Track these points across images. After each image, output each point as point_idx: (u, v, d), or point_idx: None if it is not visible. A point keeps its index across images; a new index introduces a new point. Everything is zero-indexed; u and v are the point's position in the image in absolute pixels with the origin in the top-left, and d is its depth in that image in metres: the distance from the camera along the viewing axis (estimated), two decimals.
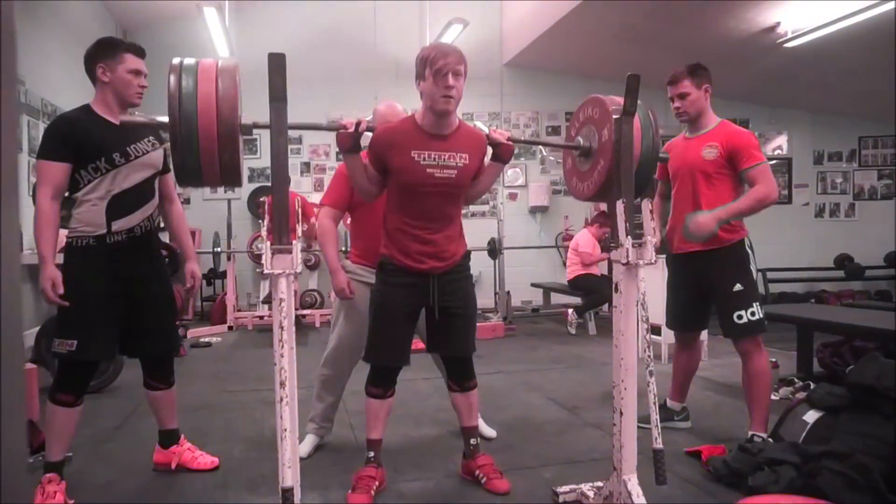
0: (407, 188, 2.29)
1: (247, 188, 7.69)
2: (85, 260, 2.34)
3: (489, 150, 2.39)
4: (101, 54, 2.39)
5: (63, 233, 2.40)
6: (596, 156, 2.26)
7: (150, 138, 2.49)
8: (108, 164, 2.34)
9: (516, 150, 2.46)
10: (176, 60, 1.82)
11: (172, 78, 1.78)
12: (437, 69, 2.16)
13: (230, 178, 1.89)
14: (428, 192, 2.29)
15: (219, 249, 6.87)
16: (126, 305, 2.43)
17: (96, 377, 3.64)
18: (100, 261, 2.35)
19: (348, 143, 2.13)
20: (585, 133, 2.33)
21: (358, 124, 2.08)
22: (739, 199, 2.71)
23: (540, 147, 8.28)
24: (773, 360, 3.75)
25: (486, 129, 2.46)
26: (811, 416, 2.62)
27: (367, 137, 2.25)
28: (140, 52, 2.45)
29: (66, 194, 2.39)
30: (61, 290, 2.21)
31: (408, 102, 2.98)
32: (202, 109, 1.77)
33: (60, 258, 2.37)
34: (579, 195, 2.44)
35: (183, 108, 1.76)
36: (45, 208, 2.26)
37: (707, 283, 2.85)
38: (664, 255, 3.15)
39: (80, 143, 2.30)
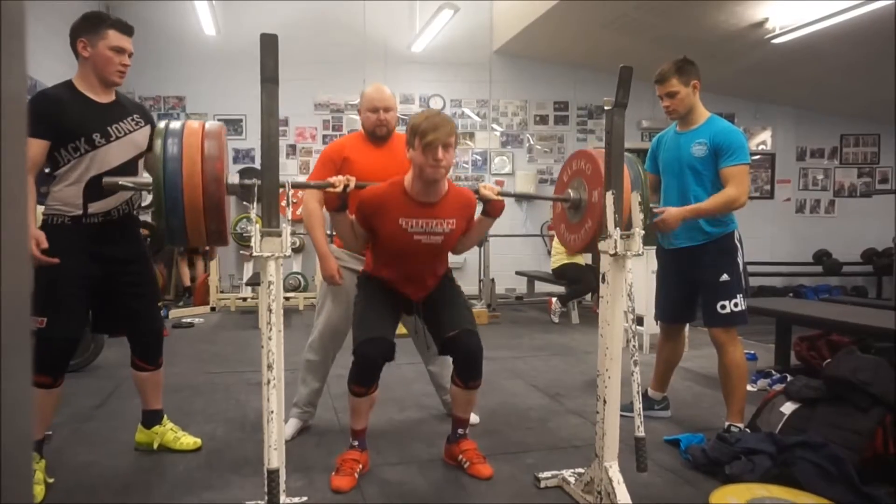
0: (393, 250, 2.36)
1: (231, 168, 7.61)
2: (60, 238, 2.29)
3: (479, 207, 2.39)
4: (84, 29, 2.33)
5: (40, 209, 2.36)
6: (585, 214, 2.30)
7: (135, 117, 2.45)
8: (87, 144, 2.29)
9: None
10: (162, 124, 1.82)
11: (158, 143, 1.77)
12: (427, 143, 2.14)
13: (216, 241, 1.94)
14: (414, 254, 2.35)
15: None
16: (107, 287, 2.40)
17: (77, 356, 3.62)
18: (75, 240, 2.31)
19: (336, 203, 2.17)
20: (576, 185, 2.35)
21: (345, 187, 2.08)
22: (707, 200, 2.73)
23: (528, 136, 8.28)
24: (753, 351, 3.82)
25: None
26: (788, 408, 2.68)
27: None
28: (126, 30, 2.38)
29: (47, 171, 2.36)
30: (45, 245, 2.17)
31: (396, 87, 2.98)
32: (188, 182, 1.74)
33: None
34: (566, 245, 2.50)
35: (168, 177, 1.73)
36: None
37: (695, 275, 2.88)
38: (654, 248, 3.18)
39: (58, 121, 2.25)
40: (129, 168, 2.41)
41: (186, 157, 1.75)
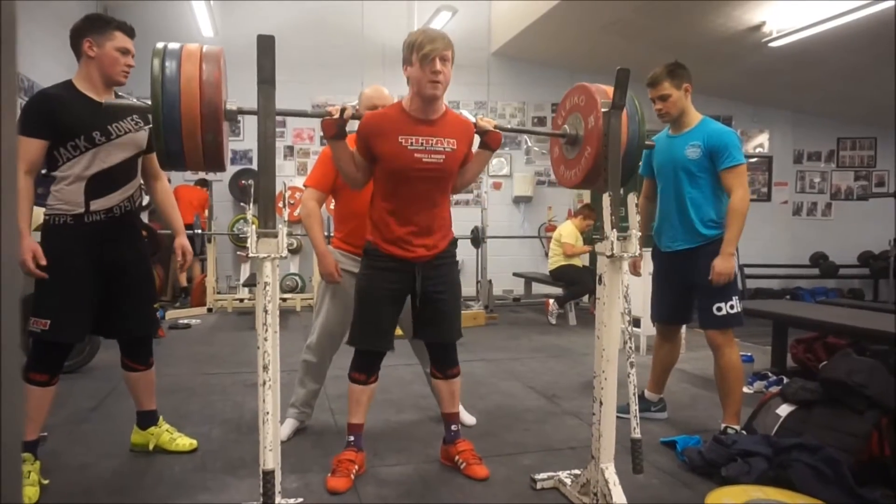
0: (395, 174, 2.28)
1: (229, 170, 7.58)
2: (62, 238, 2.31)
3: (476, 139, 2.39)
4: (90, 29, 2.34)
5: (41, 210, 2.36)
6: (583, 143, 2.28)
7: (135, 117, 2.45)
8: (87, 142, 2.29)
9: (502, 140, 2.47)
10: (160, 44, 1.81)
11: (156, 61, 1.77)
12: (424, 54, 2.15)
13: (214, 162, 1.90)
14: (416, 179, 2.27)
15: (199, 231, 6.80)
16: (104, 286, 2.40)
17: (72, 357, 3.61)
18: (77, 240, 2.32)
19: (333, 129, 2.15)
20: (572, 121, 2.35)
21: (343, 111, 2.09)
22: (729, 228, 2.74)
23: (525, 138, 8.29)
24: (749, 353, 3.82)
25: (472, 118, 2.47)
26: (784, 410, 2.68)
27: (353, 124, 2.26)
28: (130, 32, 2.41)
29: (44, 171, 2.35)
30: (43, 262, 2.17)
31: (394, 88, 2.97)
32: (185, 93, 1.75)
33: (38, 237, 2.33)
34: (567, 183, 2.46)
35: (166, 90, 1.74)
36: (20, 183, 2.21)
37: (691, 277, 2.88)
38: (649, 249, 3.18)
39: (58, 120, 2.25)
40: (128, 167, 2.42)
41: (184, 78, 1.76)
